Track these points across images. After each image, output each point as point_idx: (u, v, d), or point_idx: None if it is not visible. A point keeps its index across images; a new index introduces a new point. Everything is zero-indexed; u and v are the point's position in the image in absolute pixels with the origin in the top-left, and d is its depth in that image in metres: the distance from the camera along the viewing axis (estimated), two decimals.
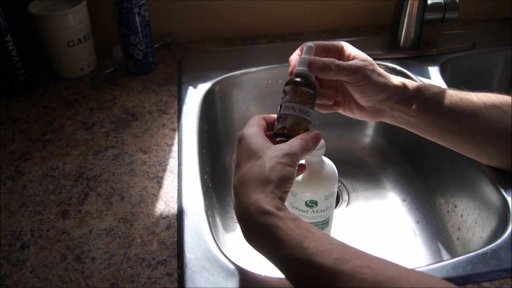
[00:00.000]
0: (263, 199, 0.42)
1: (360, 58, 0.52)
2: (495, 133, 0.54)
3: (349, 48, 0.54)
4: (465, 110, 0.54)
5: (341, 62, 0.50)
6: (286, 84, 0.51)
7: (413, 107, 0.54)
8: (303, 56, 0.51)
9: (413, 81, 0.56)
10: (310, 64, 0.50)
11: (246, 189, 0.43)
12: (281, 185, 0.44)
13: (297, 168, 0.46)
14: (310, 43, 0.52)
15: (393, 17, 0.89)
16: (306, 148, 0.47)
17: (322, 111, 0.56)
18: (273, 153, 0.45)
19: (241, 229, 0.44)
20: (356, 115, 0.57)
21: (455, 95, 0.55)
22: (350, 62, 0.51)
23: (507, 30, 0.97)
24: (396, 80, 0.54)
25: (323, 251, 0.38)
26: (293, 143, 0.46)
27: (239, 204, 0.44)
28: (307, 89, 0.50)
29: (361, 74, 0.51)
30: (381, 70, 0.53)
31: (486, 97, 0.56)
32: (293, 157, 0.45)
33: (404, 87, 0.54)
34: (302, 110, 0.49)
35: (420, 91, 0.54)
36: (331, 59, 0.50)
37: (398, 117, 0.55)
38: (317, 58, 0.50)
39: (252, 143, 0.46)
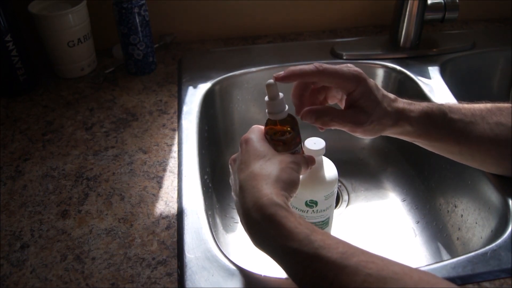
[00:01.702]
0: (275, 194, 0.43)
1: (367, 107, 0.49)
2: (497, 153, 0.54)
3: (364, 92, 0.49)
4: (468, 136, 0.53)
5: (339, 120, 0.49)
6: (265, 130, 0.51)
7: (413, 137, 0.54)
8: (268, 99, 0.49)
9: (419, 114, 0.52)
10: (303, 117, 0.49)
11: (258, 183, 0.45)
12: (288, 187, 0.46)
13: (300, 177, 0.48)
14: (270, 81, 0.47)
15: (393, 17, 0.89)
16: (305, 164, 0.50)
17: None
18: (282, 158, 0.48)
19: (247, 222, 0.44)
20: None
21: (459, 122, 0.53)
22: (349, 120, 0.49)
23: (507, 30, 0.97)
24: (398, 121, 0.51)
25: (330, 245, 0.39)
26: (296, 156, 0.50)
27: (248, 196, 0.44)
28: (285, 136, 0.49)
29: (357, 132, 0.51)
30: (386, 116, 0.50)
31: (490, 113, 0.54)
32: (298, 165, 0.48)
33: (403, 127, 0.52)
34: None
35: (421, 127, 0.52)
36: (330, 114, 0.49)
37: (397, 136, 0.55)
38: (308, 114, 0.49)
39: (260, 146, 0.49)
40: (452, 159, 0.57)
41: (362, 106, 0.50)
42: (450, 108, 0.54)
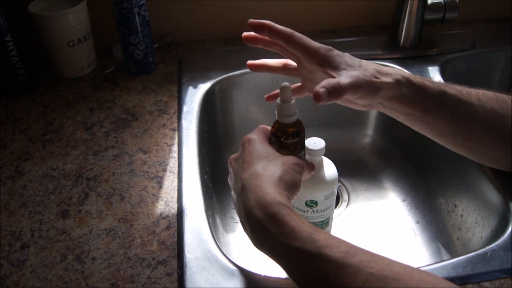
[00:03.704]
0: (278, 193, 0.44)
1: (351, 66, 0.50)
2: (489, 140, 0.54)
3: (336, 56, 0.51)
4: (462, 115, 0.52)
5: (343, 82, 0.47)
6: (271, 132, 0.50)
7: (407, 105, 0.52)
8: (280, 102, 0.48)
9: (414, 79, 0.52)
10: (319, 98, 0.46)
11: (261, 182, 0.45)
12: (290, 189, 0.46)
13: (301, 180, 0.48)
14: (285, 83, 0.48)
15: (393, 17, 0.89)
16: (308, 168, 0.51)
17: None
18: (285, 160, 0.48)
19: (248, 220, 0.44)
20: (344, 104, 0.55)
21: (454, 97, 0.52)
22: (351, 80, 0.48)
23: (507, 30, 0.97)
24: (392, 77, 0.51)
25: (332, 244, 0.39)
26: (299, 159, 0.50)
27: (251, 195, 0.44)
28: (291, 140, 0.49)
29: (362, 89, 0.49)
30: (374, 71, 0.50)
31: (486, 97, 0.53)
32: (301, 167, 0.48)
33: (398, 85, 0.51)
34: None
35: (417, 92, 0.52)
36: (335, 82, 0.47)
37: (390, 111, 0.54)
38: (324, 91, 0.46)
39: (263, 147, 0.49)
40: (445, 145, 0.56)
41: (343, 64, 0.50)
42: (444, 83, 0.54)
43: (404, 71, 0.53)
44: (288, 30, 0.52)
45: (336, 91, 0.47)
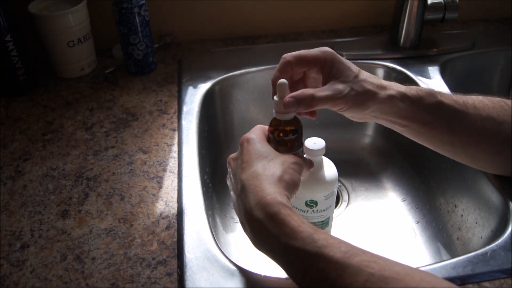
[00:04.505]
0: (278, 193, 0.44)
1: (343, 77, 0.50)
2: (488, 148, 0.54)
3: (334, 62, 0.50)
4: (460, 124, 0.52)
5: (319, 94, 0.48)
6: (269, 130, 0.50)
7: (403, 119, 0.52)
8: (277, 98, 0.49)
9: (409, 92, 0.51)
10: (286, 107, 0.48)
11: (261, 183, 0.45)
12: (289, 188, 0.46)
13: (300, 179, 0.49)
14: (282, 80, 0.49)
15: (393, 17, 0.89)
16: (306, 166, 0.51)
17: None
18: (284, 159, 0.48)
19: (249, 221, 0.44)
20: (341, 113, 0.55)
21: (450, 108, 0.52)
22: (328, 93, 0.49)
23: (507, 30, 0.97)
24: (385, 92, 0.50)
25: (333, 244, 0.39)
26: (297, 157, 0.50)
27: (251, 196, 0.44)
28: (289, 136, 0.49)
29: (341, 103, 0.49)
30: (368, 85, 0.50)
31: (482, 104, 0.53)
32: (300, 166, 0.49)
33: (392, 101, 0.50)
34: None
35: (412, 106, 0.51)
36: (308, 94, 0.48)
37: (386, 123, 0.54)
38: (290, 101, 0.48)
39: (262, 146, 0.49)
40: (445, 154, 0.56)
41: (337, 74, 0.50)
42: (440, 92, 0.53)
43: (401, 85, 0.53)
44: (282, 61, 0.51)
45: (307, 101, 0.48)
